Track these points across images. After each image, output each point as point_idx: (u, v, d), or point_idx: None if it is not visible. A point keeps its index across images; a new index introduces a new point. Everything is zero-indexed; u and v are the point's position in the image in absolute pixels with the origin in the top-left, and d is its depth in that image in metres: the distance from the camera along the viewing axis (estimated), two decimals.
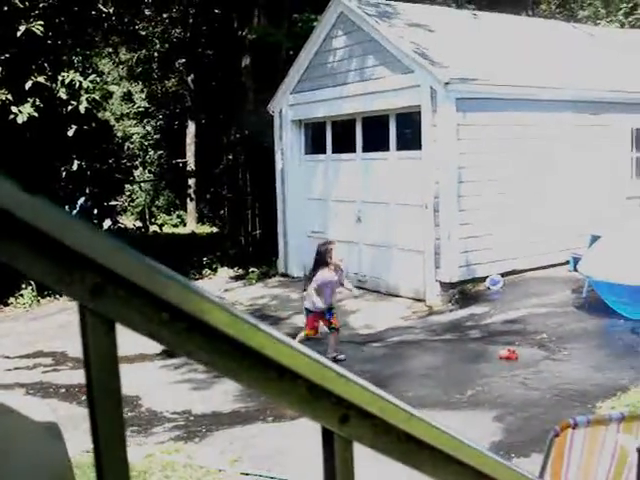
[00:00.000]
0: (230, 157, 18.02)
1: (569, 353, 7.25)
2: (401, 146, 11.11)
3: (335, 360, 7.55)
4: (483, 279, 10.37)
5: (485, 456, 0.85)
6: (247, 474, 5.15)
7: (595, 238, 10.11)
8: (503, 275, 10.56)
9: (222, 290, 12.65)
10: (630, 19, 19.69)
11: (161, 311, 0.59)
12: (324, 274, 7.77)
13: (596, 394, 5.96)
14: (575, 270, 9.65)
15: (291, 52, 14.93)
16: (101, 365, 0.58)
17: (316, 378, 0.67)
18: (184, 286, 0.60)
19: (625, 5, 20.07)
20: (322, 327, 8.05)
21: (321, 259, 7.86)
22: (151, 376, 7.78)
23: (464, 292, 10.10)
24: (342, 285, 8.14)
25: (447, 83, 9.89)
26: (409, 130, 11.02)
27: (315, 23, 13.27)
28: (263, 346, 0.64)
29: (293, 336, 9.20)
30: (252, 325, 0.65)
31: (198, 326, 0.61)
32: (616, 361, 6.93)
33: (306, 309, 8.04)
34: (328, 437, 0.72)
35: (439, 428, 0.78)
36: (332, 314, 7.96)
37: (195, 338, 0.62)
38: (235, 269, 14.49)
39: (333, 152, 12.59)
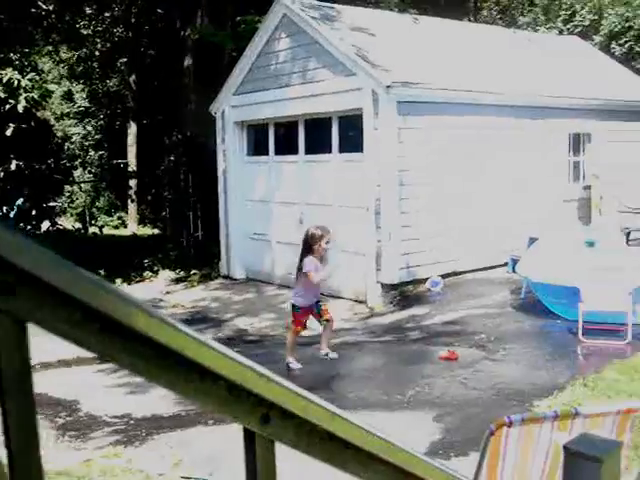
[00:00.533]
0: (172, 158, 17.87)
1: (507, 353, 7.37)
2: (343, 149, 11.15)
3: (328, 358, 7.56)
4: (424, 281, 10.48)
5: (412, 456, 0.85)
6: (188, 478, 5.09)
7: (533, 240, 10.31)
8: (444, 277, 10.69)
9: (163, 292, 12.52)
10: (569, 26, 20.12)
11: (74, 311, 0.58)
12: (313, 261, 7.28)
13: (533, 393, 6.06)
14: (514, 271, 9.82)
15: (234, 53, 14.89)
16: (11, 365, 0.57)
17: (236, 378, 0.66)
18: (98, 286, 0.59)
19: (564, 12, 20.50)
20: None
21: (306, 244, 7.41)
22: (90, 380, 7.65)
23: (405, 294, 10.19)
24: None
25: (389, 86, 9.96)
26: (352, 133, 11.06)
27: (259, 25, 13.24)
28: (184, 347, 0.64)
29: (232, 338, 9.17)
30: (172, 327, 0.64)
31: (115, 327, 0.60)
32: (553, 360, 7.06)
33: (293, 305, 7.57)
34: (250, 437, 0.71)
35: (364, 428, 0.78)
36: (320, 306, 7.50)
37: (112, 340, 0.61)
38: (177, 271, 14.37)
39: (276, 154, 12.58)
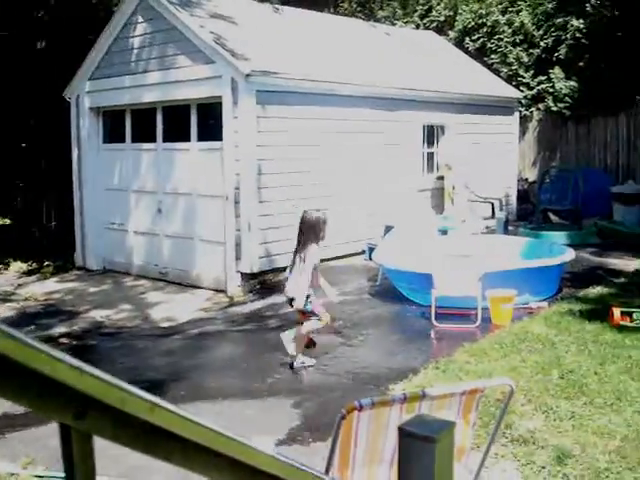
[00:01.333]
0: (24, 145, 17.07)
1: (364, 339, 7.54)
2: (203, 137, 11.01)
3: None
4: (284, 269, 10.50)
5: (243, 446, 0.85)
6: (41, 477, 4.91)
7: (389, 228, 10.60)
8: None
9: (15, 285, 11.98)
10: (425, 21, 20.68)
11: None
12: (317, 252, 6.66)
13: (389, 377, 6.23)
14: (370, 259, 10.05)
15: (90, 37, 14.36)
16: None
17: (49, 372, 0.64)
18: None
19: (421, 7, 21.05)
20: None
21: (311, 231, 6.66)
22: None
23: (265, 282, 10.22)
24: None
25: (248, 75, 9.92)
26: (211, 121, 10.95)
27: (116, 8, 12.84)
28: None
29: (88, 331, 8.91)
30: None
31: None
32: (408, 345, 7.29)
33: (307, 297, 6.66)
34: (65, 432, 0.69)
35: (189, 419, 0.77)
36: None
37: None
38: (29, 263, 13.77)
39: (133, 142, 12.26)
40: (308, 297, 6.69)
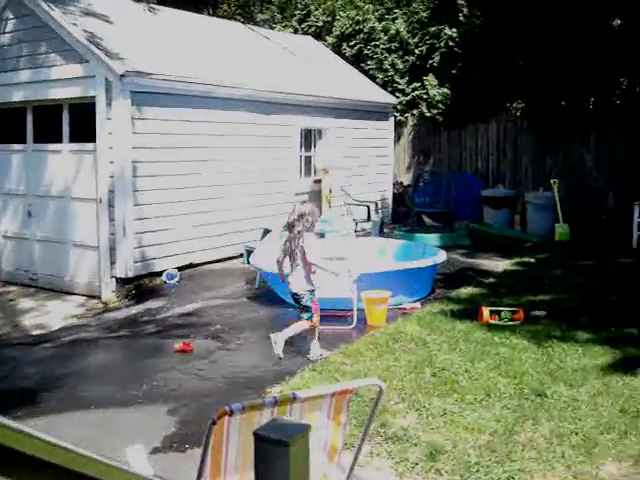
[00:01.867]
0: None
1: (242, 342, 7.52)
2: (75, 138, 10.68)
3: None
4: (160, 273, 10.38)
5: (82, 457, 0.83)
6: None
7: (267, 232, 10.62)
8: (181, 269, 10.67)
9: None
10: (303, 25, 20.83)
11: None
12: (312, 242, 6.71)
13: (266, 380, 6.23)
14: (249, 262, 10.04)
15: None
16: None
17: None
18: None
19: (299, 12, 21.19)
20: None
21: (301, 223, 6.66)
22: None
23: (141, 287, 10.04)
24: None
25: (122, 75, 9.72)
26: (84, 122, 10.64)
27: None
28: None
29: None
30: None
31: None
32: (285, 347, 7.29)
33: (312, 291, 6.76)
34: None
35: (23, 431, 0.74)
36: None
37: None
38: None
39: (1, 142, 11.76)
40: (313, 292, 6.79)
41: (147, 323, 8.43)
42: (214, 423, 2.37)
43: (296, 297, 6.87)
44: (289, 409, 2.57)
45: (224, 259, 11.58)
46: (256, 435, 1.24)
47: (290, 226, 6.76)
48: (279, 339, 6.81)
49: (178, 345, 7.23)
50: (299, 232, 6.68)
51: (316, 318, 6.83)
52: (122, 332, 8.25)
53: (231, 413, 2.36)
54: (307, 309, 6.81)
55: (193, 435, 5.07)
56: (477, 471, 4.39)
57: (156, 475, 2.69)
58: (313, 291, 6.81)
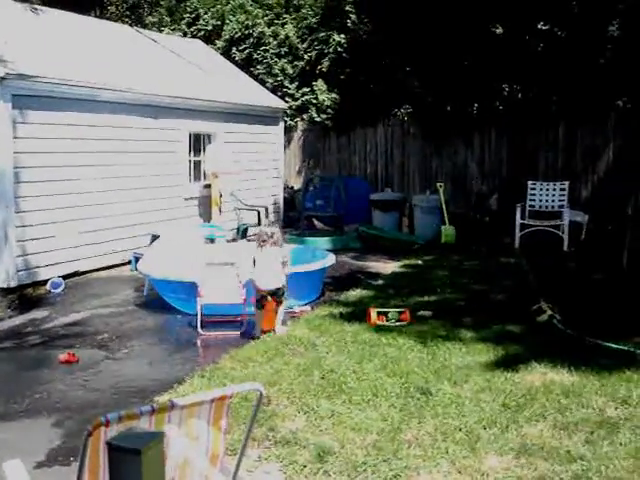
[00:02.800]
0: None
1: (129, 351, 7.38)
2: None
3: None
4: (45, 282, 10.09)
5: None
6: None
7: (155, 237, 10.49)
8: (67, 277, 10.40)
9: None
10: (192, 29, 20.67)
11: None
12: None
13: (154, 389, 6.14)
14: (136, 269, 9.88)
15: None
16: None
17: None
18: None
19: (188, 15, 21.01)
20: None
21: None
22: None
23: (24, 297, 9.71)
24: None
25: (3, 78, 9.41)
26: None
27: None
28: None
29: None
30: None
31: None
32: (174, 355, 7.24)
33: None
34: None
35: None
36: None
37: None
38: None
39: None
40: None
41: (31, 334, 8.16)
42: (90, 434, 2.33)
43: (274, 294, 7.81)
44: (167, 417, 2.56)
45: (112, 266, 11.35)
46: (109, 444, 1.23)
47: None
48: (278, 330, 7.77)
49: (63, 356, 7.03)
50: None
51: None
52: (4, 344, 7.95)
53: (107, 423, 2.32)
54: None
55: (78, 448, 4.93)
56: (364, 470, 4.46)
57: None
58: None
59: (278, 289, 7.75)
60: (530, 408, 5.37)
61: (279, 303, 7.81)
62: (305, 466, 4.57)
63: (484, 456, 4.62)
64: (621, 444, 4.72)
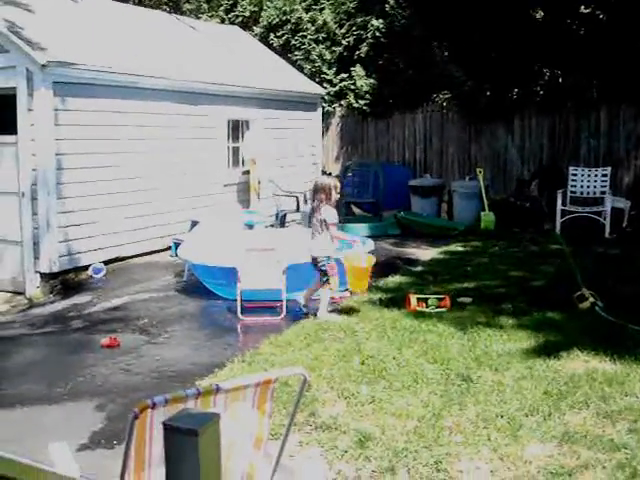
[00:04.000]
0: None
1: (170, 336, 7.45)
2: None
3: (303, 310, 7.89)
4: (86, 267, 10.21)
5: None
6: None
7: (195, 224, 10.54)
8: (107, 263, 10.51)
9: None
10: (230, 15, 20.68)
11: None
12: (331, 211, 7.64)
13: (195, 373, 6.20)
14: (176, 255, 9.95)
15: None
16: None
17: None
18: None
19: (226, 2, 21.02)
20: None
21: (322, 194, 7.57)
22: None
23: (66, 282, 9.84)
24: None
25: (44, 66, 9.48)
26: (5, 113, 10.35)
27: None
28: None
29: None
30: None
31: None
32: (214, 340, 7.28)
33: (329, 257, 7.69)
34: None
35: None
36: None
37: None
38: None
39: None
40: (329, 258, 7.63)
41: (73, 318, 8.28)
42: (136, 417, 2.34)
43: (315, 261, 7.68)
44: (213, 400, 2.56)
45: (152, 252, 11.44)
46: (165, 425, 1.23)
47: (311, 199, 7.75)
48: (323, 315, 7.65)
49: (105, 340, 7.13)
50: (318, 204, 7.56)
51: (332, 280, 7.67)
52: (48, 328, 8.09)
53: (153, 406, 2.33)
54: (324, 273, 7.64)
55: (121, 431, 4.99)
56: (405, 456, 4.45)
57: (82, 475, 2.65)
58: (329, 257, 7.64)
59: (315, 259, 7.70)
60: (572, 396, 5.31)
61: (323, 283, 7.77)
62: (346, 451, 4.57)
63: (526, 444, 4.58)
64: None
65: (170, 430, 1.18)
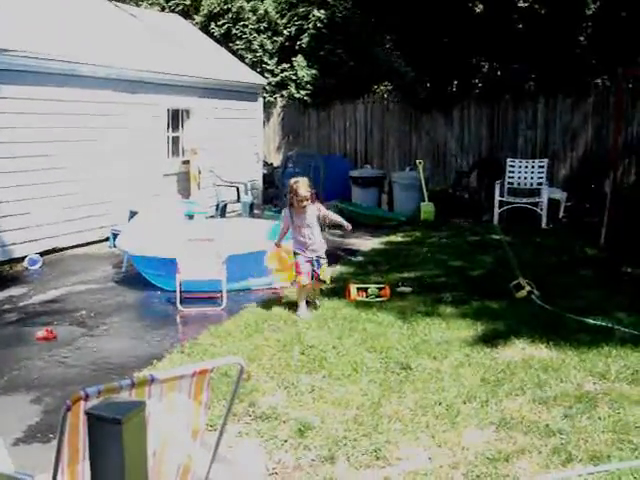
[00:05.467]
0: None
1: (108, 328, 7.34)
2: None
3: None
4: (22, 259, 9.99)
5: None
6: None
7: (133, 214, 10.39)
8: (44, 254, 10.30)
9: None
10: (170, 3, 20.44)
11: None
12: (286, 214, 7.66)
13: (133, 365, 6.11)
14: (115, 246, 9.80)
15: None
16: None
17: None
18: None
19: None
20: None
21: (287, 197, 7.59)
22: None
23: (1, 274, 9.62)
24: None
25: None
26: None
27: None
28: None
29: None
30: None
31: None
32: (153, 331, 7.20)
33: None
34: None
35: None
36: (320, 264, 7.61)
37: None
38: None
39: None
40: (296, 253, 7.55)
41: (8, 311, 8.08)
42: (69, 409, 2.29)
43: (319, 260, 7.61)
44: (147, 391, 2.53)
45: (90, 243, 11.27)
46: (89, 414, 1.20)
47: (289, 205, 7.64)
48: (302, 314, 7.36)
49: (41, 333, 6.98)
50: (305, 207, 7.58)
51: (300, 278, 7.49)
52: None
53: (86, 397, 2.29)
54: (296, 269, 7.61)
55: (57, 424, 4.91)
56: (345, 445, 4.47)
57: (17, 471, 2.60)
58: (295, 253, 7.56)
59: (320, 257, 7.69)
60: (509, 383, 5.41)
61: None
62: (286, 441, 4.57)
63: (464, 430, 4.64)
64: (599, 418, 4.77)
65: (93, 419, 1.15)
